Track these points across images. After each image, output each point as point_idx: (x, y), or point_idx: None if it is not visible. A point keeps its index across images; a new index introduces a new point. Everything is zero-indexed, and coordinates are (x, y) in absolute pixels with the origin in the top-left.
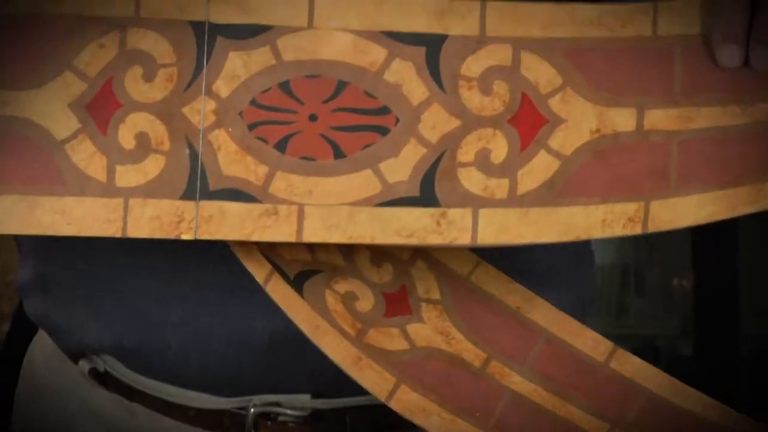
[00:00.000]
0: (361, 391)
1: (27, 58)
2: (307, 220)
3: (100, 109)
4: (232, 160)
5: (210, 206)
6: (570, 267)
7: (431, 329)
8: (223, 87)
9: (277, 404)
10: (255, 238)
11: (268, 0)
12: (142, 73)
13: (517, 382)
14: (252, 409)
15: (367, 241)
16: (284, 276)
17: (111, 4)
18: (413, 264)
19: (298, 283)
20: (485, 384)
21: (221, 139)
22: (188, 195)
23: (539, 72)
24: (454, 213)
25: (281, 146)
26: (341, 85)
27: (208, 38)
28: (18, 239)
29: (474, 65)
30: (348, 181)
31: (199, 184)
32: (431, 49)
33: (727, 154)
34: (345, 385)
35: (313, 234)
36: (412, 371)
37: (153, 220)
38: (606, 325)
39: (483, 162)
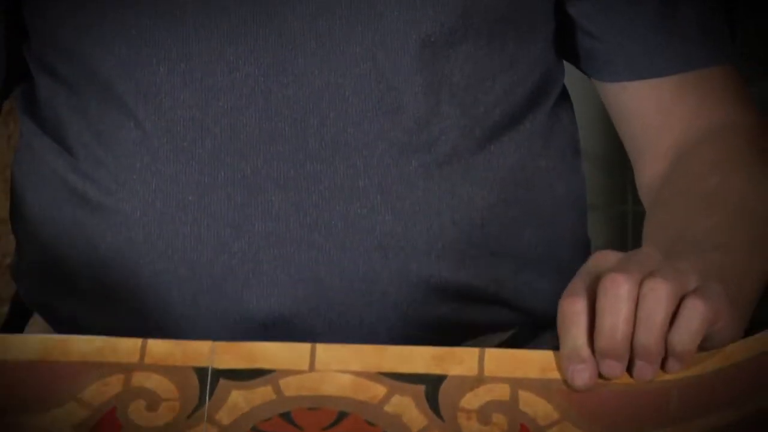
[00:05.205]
0: None
1: (36, 392)
2: None
3: (103, 430)
4: None
5: None
6: (564, 251)
7: None
8: (225, 416)
9: None
10: None
11: (271, 348)
12: (146, 405)
13: None
14: None
15: None
16: None
17: (116, 353)
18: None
19: None
20: None
21: None
22: None
23: (537, 407)
24: None
25: None
26: (342, 415)
27: (210, 381)
28: (14, 223)
29: (473, 399)
30: None
31: None
32: (430, 386)
33: None
34: None
35: None
36: None
37: None
38: None
39: None
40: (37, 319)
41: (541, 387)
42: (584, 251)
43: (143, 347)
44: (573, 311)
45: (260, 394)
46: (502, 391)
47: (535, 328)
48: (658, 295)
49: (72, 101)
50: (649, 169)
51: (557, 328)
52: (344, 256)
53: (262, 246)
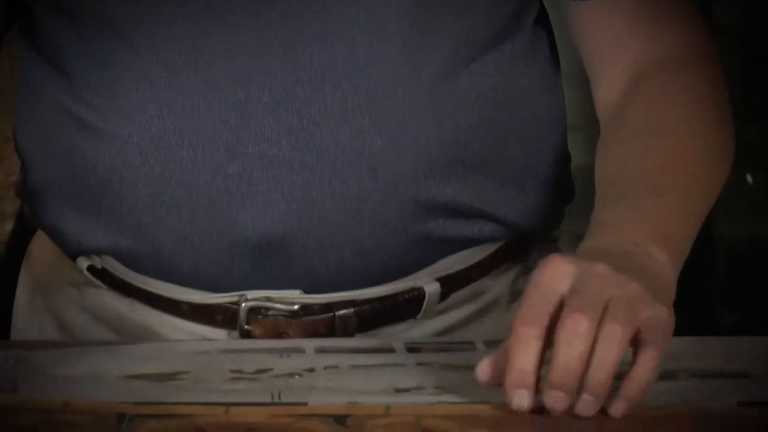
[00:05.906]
0: (349, 285)
1: None
2: None
3: None
4: None
5: None
6: (546, 168)
7: None
8: None
9: (269, 299)
10: None
11: (187, 407)
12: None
13: None
14: (243, 304)
15: None
16: None
17: (38, 403)
18: None
19: None
20: None
21: None
22: None
23: None
24: None
25: None
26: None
27: (128, 420)
28: (17, 145)
29: None
30: None
31: None
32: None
33: None
34: (334, 282)
35: None
36: None
37: None
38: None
39: None
40: (40, 236)
41: None
42: (565, 168)
43: (64, 402)
44: (529, 336)
45: (176, 424)
46: None
47: (522, 243)
48: (614, 339)
49: (70, 30)
50: (604, 95)
51: (509, 346)
52: (335, 177)
53: (256, 168)
